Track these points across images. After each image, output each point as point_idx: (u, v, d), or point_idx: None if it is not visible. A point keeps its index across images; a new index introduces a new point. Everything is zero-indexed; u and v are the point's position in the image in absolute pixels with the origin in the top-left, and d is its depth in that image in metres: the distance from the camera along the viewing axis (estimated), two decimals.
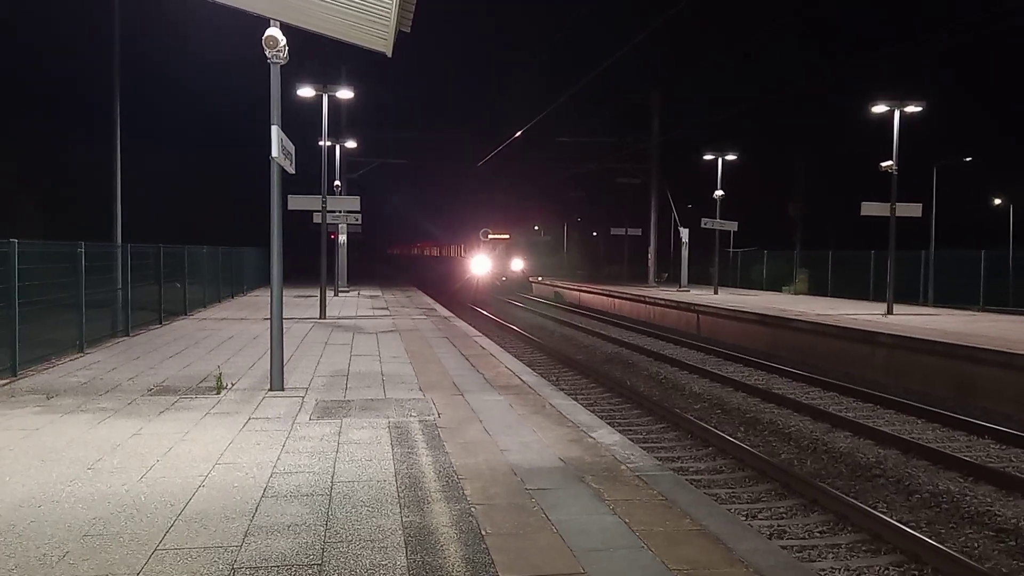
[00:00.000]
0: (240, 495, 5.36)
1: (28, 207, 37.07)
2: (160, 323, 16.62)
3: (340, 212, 22.95)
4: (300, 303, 22.88)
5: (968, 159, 41.03)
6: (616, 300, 32.43)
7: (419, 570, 4.17)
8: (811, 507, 7.73)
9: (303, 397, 8.85)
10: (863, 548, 6.76)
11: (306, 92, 20.80)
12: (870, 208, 20.90)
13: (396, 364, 11.41)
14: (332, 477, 5.79)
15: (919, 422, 11.62)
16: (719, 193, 29.24)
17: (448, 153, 44.74)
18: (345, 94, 21.50)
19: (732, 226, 30.84)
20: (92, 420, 7.59)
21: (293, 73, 19.64)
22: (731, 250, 37.53)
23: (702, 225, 30.47)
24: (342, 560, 4.30)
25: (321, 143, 21.88)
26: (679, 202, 37.75)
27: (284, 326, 9.71)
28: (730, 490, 8.37)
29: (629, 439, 7.48)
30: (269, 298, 9.65)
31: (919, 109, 20.03)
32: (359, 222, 26.64)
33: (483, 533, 4.70)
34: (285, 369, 9.69)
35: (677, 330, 24.50)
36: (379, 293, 29.48)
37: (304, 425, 7.47)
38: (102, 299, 13.89)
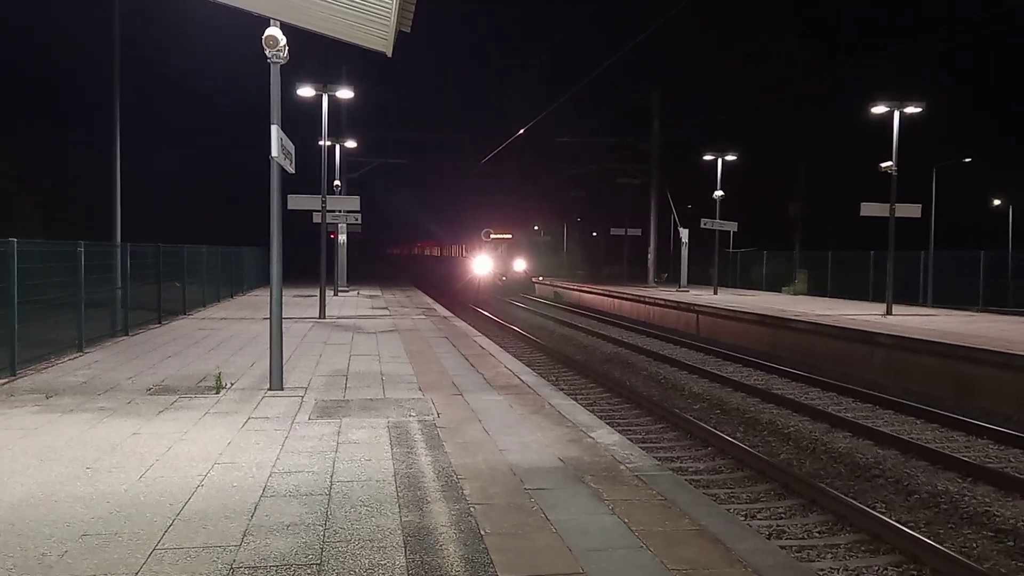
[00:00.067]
0: (239, 495, 5.36)
1: (28, 207, 37.07)
2: (159, 323, 16.62)
3: (340, 212, 22.95)
4: (300, 303, 22.88)
5: (967, 160, 41.06)
6: (616, 300, 32.43)
7: (418, 570, 4.17)
8: (810, 507, 7.73)
9: (302, 397, 8.85)
10: (862, 548, 6.76)
11: (306, 92, 20.81)
12: (870, 209, 20.91)
13: (395, 364, 11.41)
14: (331, 477, 5.79)
15: (918, 422, 11.62)
16: (719, 193, 29.26)
17: (448, 153, 44.79)
18: (345, 94, 21.51)
19: (732, 226, 30.87)
20: (91, 420, 7.59)
21: (293, 73, 19.66)
22: (731, 250, 37.54)
23: (702, 225, 30.49)
24: (341, 560, 4.30)
25: (321, 143, 21.89)
26: (679, 202, 37.76)
27: (283, 326, 9.71)
28: (729, 490, 8.37)
29: (628, 439, 7.49)
30: (268, 298, 9.65)
31: (919, 110, 20.04)
32: (359, 222, 26.65)
33: (482, 533, 4.70)
34: (284, 369, 9.69)
35: (677, 330, 24.51)
36: (379, 293, 29.49)
37: (303, 425, 7.47)
38: (101, 299, 13.90)
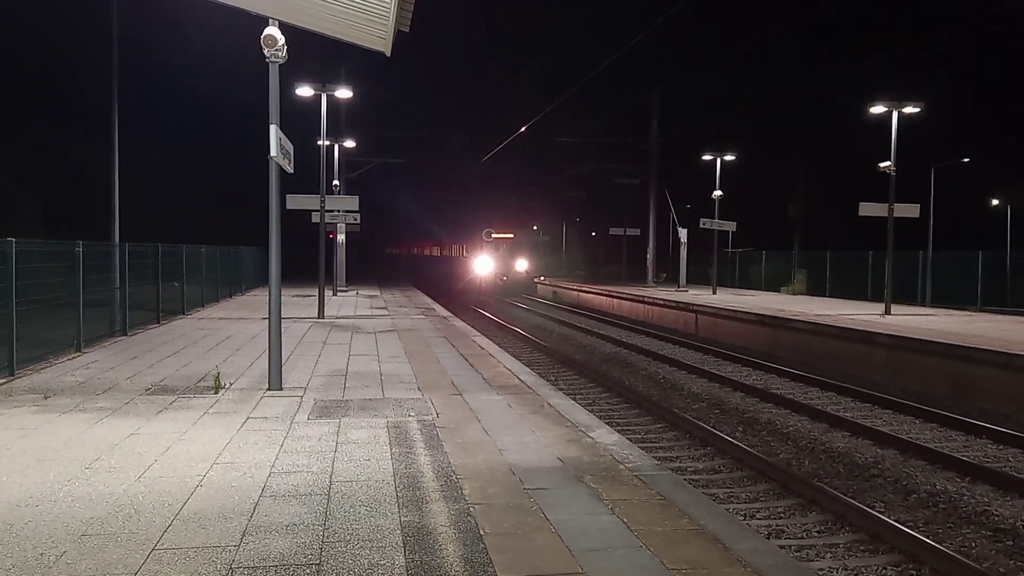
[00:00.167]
0: (238, 495, 5.36)
1: (28, 207, 37.05)
2: (158, 322, 16.62)
3: (338, 212, 22.95)
4: (298, 302, 22.88)
5: (966, 160, 41.07)
6: (615, 300, 32.43)
7: (417, 570, 4.17)
8: (809, 507, 7.73)
9: (301, 397, 8.84)
10: (861, 548, 6.76)
11: (305, 91, 20.80)
12: (868, 209, 20.92)
13: (394, 364, 11.41)
14: (330, 477, 5.79)
15: (917, 422, 11.63)
16: (717, 193, 29.27)
17: (448, 153, 44.81)
18: (344, 93, 21.51)
19: (731, 226, 30.88)
20: (90, 419, 7.58)
21: (292, 73, 19.66)
22: (730, 250, 37.56)
23: (701, 225, 30.49)
24: (340, 560, 4.30)
25: (320, 142, 21.89)
26: (678, 202, 37.76)
27: (282, 325, 9.71)
28: (728, 490, 8.37)
29: (627, 439, 7.49)
30: (267, 297, 9.65)
31: (917, 110, 20.05)
32: (357, 222, 26.65)
33: (482, 533, 4.70)
34: (283, 369, 9.69)
35: (676, 330, 24.52)
36: (378, 293, 29.48)
37: (302, 425, 7.47)
38: (100, 298, 13.89)
